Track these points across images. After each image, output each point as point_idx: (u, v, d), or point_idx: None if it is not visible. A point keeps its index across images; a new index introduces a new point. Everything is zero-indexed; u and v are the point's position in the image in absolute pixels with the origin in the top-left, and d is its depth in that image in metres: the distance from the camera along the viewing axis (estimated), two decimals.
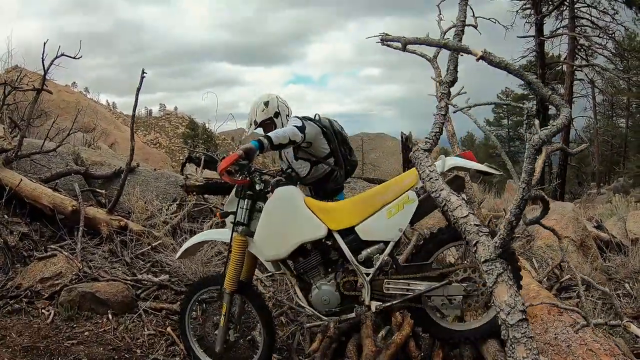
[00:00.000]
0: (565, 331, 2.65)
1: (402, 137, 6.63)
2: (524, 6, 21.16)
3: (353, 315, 2.93)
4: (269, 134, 3.16)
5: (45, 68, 5.80)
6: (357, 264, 2.85)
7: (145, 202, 5.98)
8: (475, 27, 3.46)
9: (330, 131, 3.89)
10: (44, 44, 5.78)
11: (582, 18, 20.77)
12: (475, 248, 1.86)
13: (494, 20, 5.03)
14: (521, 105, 3.05)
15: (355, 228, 2.86)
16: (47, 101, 10.14)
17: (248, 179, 2.95)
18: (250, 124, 3.93)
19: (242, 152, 2.85)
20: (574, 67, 20.79)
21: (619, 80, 22.73)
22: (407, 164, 6.47)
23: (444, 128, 2.69)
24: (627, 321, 2.61)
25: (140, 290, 4.16)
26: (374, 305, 2.86)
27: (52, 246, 4.62)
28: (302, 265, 2.97)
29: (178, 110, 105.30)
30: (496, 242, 1.82)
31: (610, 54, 20.69)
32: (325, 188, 4.01)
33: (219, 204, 6.33)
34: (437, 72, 3.94)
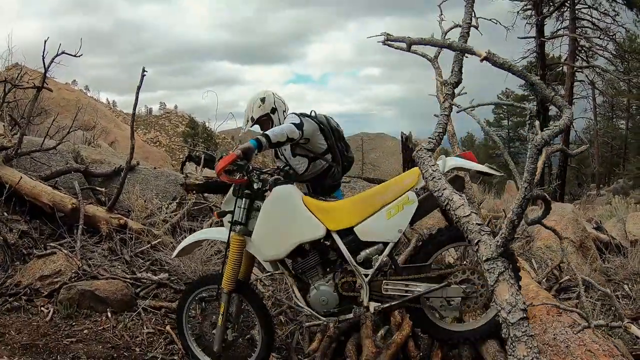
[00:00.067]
0: (564, 332, 2.65)
1: (402, 137, 6.62)
2: (525, 7, 21.17)
3: (351, 316, 2.92)
4: (266, 132, 3.14)
5: (46, 66, 5.79)
6: (355, 264, 2.83)
7: (145, 201, 5.97)
8: (476, 27, 3.46)
9: (327, 127, 3.87)
10: (45, 41, 5.77)
11: (583, 19, 20.78)
12: (477, 247, 1.87)
13: (495, 21, 5.03)
14: (523, 105, 3.05)
15: (354, 228, 2.84)
16: (47, 99, 10.15)
17: (246, 178, 2.93)
18: (247, 121, 3.91)
19: (240, 152, 2.83)
20: (575, 68, 20.81)
21: (619, 81, 22.73)
22: (407, 164, 6.47)
23: (446, 131, 2.70)
24: (627, 322, 2.60)
25: (139, 289, 4.16)
26: (373, 306, 2.84)
27: (51, 244, 4.61)
28: (300, 265, 2.96)
29: (178, 109, 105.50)
30: (498, 241, 1.82)
31: (611, 56, 20.70)
32: (323, 184, 4.00)
33: (219, 203, 6.32)
34: (438, 72, 3.94)
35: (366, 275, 2.83)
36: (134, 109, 5.39)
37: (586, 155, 29.22)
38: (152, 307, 3.94)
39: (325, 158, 3.88)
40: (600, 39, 20.25)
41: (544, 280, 4.43)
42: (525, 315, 1.65)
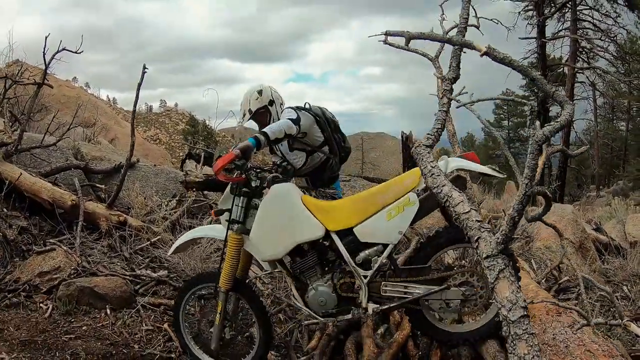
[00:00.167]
0: (563, 331, 2.65)
1: (402, 137, 6.60)
2: (526, 8, 21.13)
3: (350, 316, 2.90)
4: (264, 129, 3.10)
5: (47, 62, 5.79)
6: (354, 265, 2.81)
7: (144, 198, 5.98)
8: (478, 27, 3.46)
9: (323, 119, 3.83)
10: (46, 38, 5.77)
11: (584, 20, 20.74)
12: (477, 244, 1.85)
13: (496, 21, 5.03)
14: (525, 101, 3.05)
15: (354, 229, 2.82)
16: (47, 96, 10.15)
17: (244, 176, 2.90)
18: (244, 114, 3.85)
19: (239, 152, 2.79)
20: (575, 69, 20.77)
21: (620, 83, 22.69)
22: (407, 163, 6.46)
23: (444, 127, 2.69)
24: (627, 320, 2.60)
25: (138, 286, 4.16)
26: (371, 307, 2.82)
27: (51, 240, 4.62)
28: (298, 265, 2.93)
29: (178, 107, 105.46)
30: (498, 238, 1.81)
31: (612, 57, 20.65)
32: (321, 177, 3.96)
33: (218, 201, 6.32)
34: (439, 71, 3.94)
35: (365, 277, 2.81)
36: (135, 105, 5.38)
37: (586, 157, 29.21)
38: (151, 304, 3.94)
39: (322, 150, 3.84)
40: (602, 40, 20.22)
41: (543, 280, 4.43)
42: (526, 312, 1.64)
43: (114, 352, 3.32)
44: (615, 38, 20.12)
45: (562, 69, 22.37)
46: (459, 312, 2.81)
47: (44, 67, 5.89)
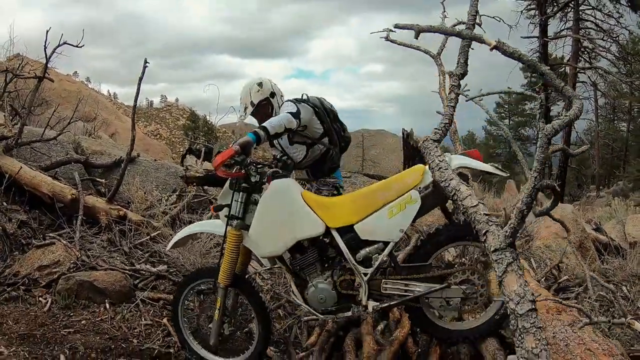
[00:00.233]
0: (563, 330, 2.64)
1: (403, 134, 6.59)
2: (529, 7, 21.08)
3: (349, 314, 2.88)
4: (264, 124, 3.05)
5: (48, 56, 5.77)
6: (355, 263, 2.79)
7: (144, 192, 5.97)
8: (480, 24, 3.45)
9: (322, 110, 3.77)
10: (47, 31, 5.75)
11: (587, 20, 20.69)
12: (484, 237, 1.84)
13: (498, 19, 5.02)
14: (535, 95, 3.06)
15: (355, 226, 2.79)
16: (48, 90, 10.12)
17: (243, 171, 2.87)
18: (246, 107, 3.76)
19: (239, 147, 2.75)
20: (577, 69, 20.73)
21: (621, 83, 22.66)
22: (408, 161, 6.45)
23: (452, 122, 2.68)
24: (630, 319, 2.60)
25: (138, 280, 4.16)
26: (371, 305, 2.81)
27: (50, 234, 4.61)
28: (298, 261, 2.91)
29: (179, 102, 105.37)
30: (506, 231, 1.80)
31: (614, 57, 20.62)
32: (322, 169, 3.93)
33: (218, 196, 6.32)
34: (441, 69, 3.94)
35: (365, 274, 2.79)
36: (135, 100, 5.37)
37: (586, 157, 29.21)
38: (151, 299, 3.94)
39: (322, 142, 3.80)
40: (604, 40, 20.17)
41: (542, 279, 4.43)
42: (533, 306, 1.63)
43: (113, 346, 3.32)
44: (617, 38, 20.09)
45: (563, 68, 22.35)
46: (459, 310, 2.80)
47: (44, 61, 5.87)
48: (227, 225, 2.92)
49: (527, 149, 28.91)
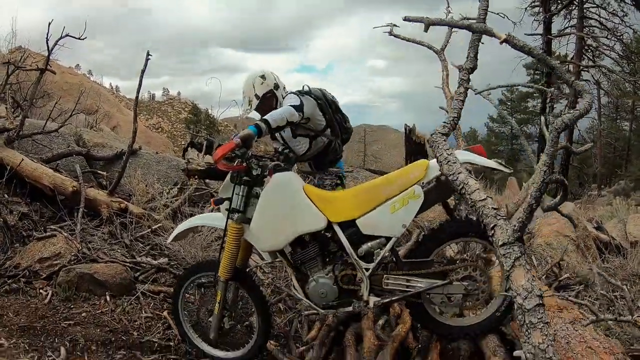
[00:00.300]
0: (564, 328, 2.64)
1: (405, 129, 6.60)
2: (533, 4, 21.02)
3: (350, 309, 2.87)
4: (265, 117, 3.03)
5: (50, 48, 5.75)
6: (356, 258, 2.77)
7: (146, 185, 5.97)
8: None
9: (324, 101, 3.74)
10: (49, 24, 5.72)
11: (591, 18, 20.65)
12: (492, 231, 1.83)
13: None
14: (545, 88, 3.04)
15: (357, 221, 2.77)
16: (50, 82, 10.11)
17: (244, 164, 2.85)
18: (250, 101, 3.71)
19: (239, 141, 2.74)
20: (581, 67, 20.69)
21: (624, 82, 22.58)
22: (410, 156, 6.45)
23: (460, 116, 2.67)
24: (637, 316, 2.59)
25: (138, 273, 4.16)
26: (373, 300, 2.79)
27: (51, 226, 4.61)
28: (299, 256, 2.90)
29: (181, 96, 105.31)
30: (515, 226, 1.79)
31: (618, 56, 20.58)
32: (325, 161, 3.91)
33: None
34: (444, 64, 3.93)
35: (367, 269, 2.77)
36: (138, 91, 5.36)
37: (588, 155, 29.13)
38: (151, 292, 3.94)
39: (325, 134, 3.77)
40: (608, 39, 20.13)
41: (543, 277, 4.42)
42: (541, 301, 1.62)
43: (113, 338, 3.33)
44: (621, 37, 20.06)
45: (567, 66, 22.26)
46: (460, 306, 2.79)
47: (46, 54, 5.85)
48: (227, 218, 2.91)
49: (529, 147, 28.86)
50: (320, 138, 3.78)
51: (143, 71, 5.08)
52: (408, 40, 3.72)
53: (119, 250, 4.49)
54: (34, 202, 5.06)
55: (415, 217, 2.83)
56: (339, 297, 2.87)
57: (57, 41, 5.76)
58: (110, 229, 4.83)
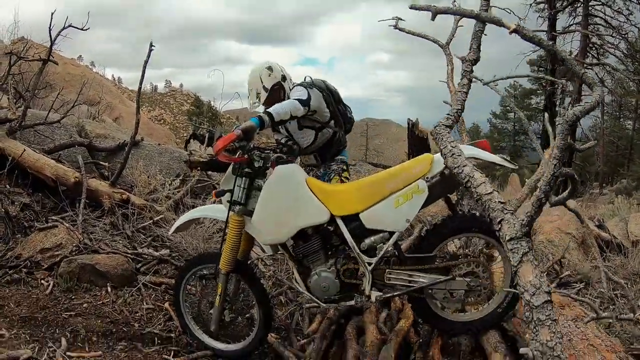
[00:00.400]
0: (566, 325, 2.63)
1: (408, 124, 6.56)
2: (538, 0, 20.92)
3: (352, 303, 2.86)
4: (269, 110, 2.97)
5: (52, 38, 5.73)
6: (359, 252, 2.76)
7: (148, 177, 5.97)
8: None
9: (327, 92, 3.68)
10: (52, 14, 5.71)
11: (596, 16, 20.53)
12: (499, 226, 1.79)
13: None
14: (555, 79, 3.02)
15: (360, 215, 2.75)
16: (52, 73, 10.11)
17: (246, 156, 2.82)
18: (258, 94, 3.62)
19: (240, 132, 2.70)
20: (585, 64, 20.60)
21: (628, 81, 22.52)
22: (413, 151, 6.43)
23: (464, 108, 2.64)
24: (639, 314, 2.58)
25: (140, 264, 4.15)
26: (374, 295, 2.78)
27: (53, 217, 4.61)
28: (301, 249, 2.88)
29: (183, 88, 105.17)
30: (522, 220, 1.76)
31: (622, 55, 20.50)
32: (329, 152, 3.87)
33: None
34: (449, 58, 3.90)
35: (369, 264, 2.76)
36: (141, 82, 5.35)
37: (591, 154, 29.04)
38: (153, 283, 3.94)
39: (329, 125, 3.72)
40: (613, 37, 20.04)
41: (544, 274, 4.41)
42: (549, 298, 1.59)
43: (114, 330, 3.33)
44: (626, 35, 19.96)
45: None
46: (462, 302, 2.78)
47: (49, 44, 5.83)
48: (229, 210, 2.90)
49: (531, 145, 28.83)
50: (326, 129, 3.73)
51: (146, 62, 5.07)
52: (413, 33, 3.69)
53: (120, 242, 4.49)
54: (36, 193, 5.06)
55: (419, 211, 2.82)
56: (341, 291, 2.86)
57: (59, 32, 5.75)
58: (112, 220, 4.83)
